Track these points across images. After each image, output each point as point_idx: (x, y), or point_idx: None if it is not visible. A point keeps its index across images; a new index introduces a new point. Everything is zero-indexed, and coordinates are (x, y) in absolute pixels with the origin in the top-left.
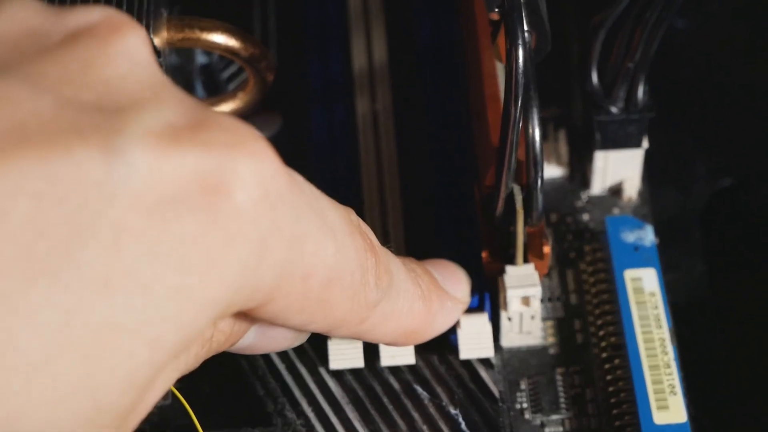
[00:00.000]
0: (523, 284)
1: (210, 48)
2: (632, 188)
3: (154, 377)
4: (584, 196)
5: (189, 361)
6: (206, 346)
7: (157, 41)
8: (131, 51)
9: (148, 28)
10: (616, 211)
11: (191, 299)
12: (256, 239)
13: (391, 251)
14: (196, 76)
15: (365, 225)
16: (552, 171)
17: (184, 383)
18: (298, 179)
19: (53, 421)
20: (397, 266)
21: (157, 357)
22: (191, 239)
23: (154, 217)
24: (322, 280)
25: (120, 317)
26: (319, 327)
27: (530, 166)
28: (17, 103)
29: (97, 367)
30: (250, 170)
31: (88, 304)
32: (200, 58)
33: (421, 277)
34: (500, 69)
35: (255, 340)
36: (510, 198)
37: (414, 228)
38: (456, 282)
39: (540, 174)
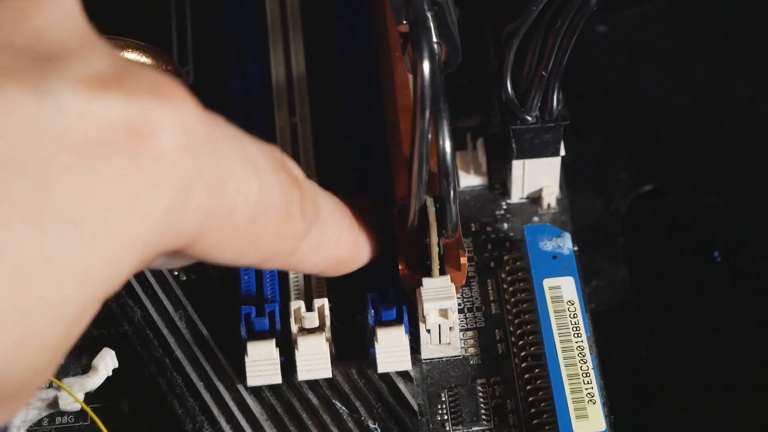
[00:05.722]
0: (440, 297)
1: None
2: (551, 196)
3: (82, 311)
4: (504, 204)
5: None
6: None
7: None
8: (61, 1)
9: None
10: (535, 219)
11: (118, 237)
12: (178, 184)
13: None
14: None
15: (291, 160)
16: (471, 180)
17: (102, 402)
18: (221, 122)
19: None
20: (324, 198)
21: (84, 291)
22: (116, 179)
23: (81, 157)
24: (248, 216)
25: (49, 252)
26: (251, 261)
27: (442, 178)
28: None
29: (25, 298)
30: (172, 118)
31: (19, 237)
32: None
33: (347, 209)
34: (413, 81)
35: (164, 262)
36: (423, 210)
37: None
38: None
39: (452, 186)
